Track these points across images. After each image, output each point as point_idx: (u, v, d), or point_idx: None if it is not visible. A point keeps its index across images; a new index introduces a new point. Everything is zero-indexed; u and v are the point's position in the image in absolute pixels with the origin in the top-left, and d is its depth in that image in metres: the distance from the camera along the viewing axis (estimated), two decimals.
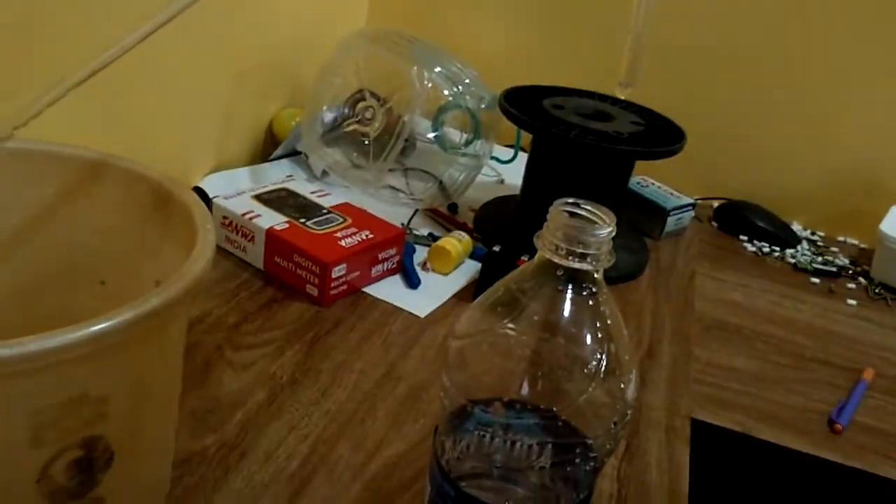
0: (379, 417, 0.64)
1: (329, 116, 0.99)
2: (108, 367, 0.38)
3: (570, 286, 0.40)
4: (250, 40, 0.98)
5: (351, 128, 0.97)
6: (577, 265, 0.40)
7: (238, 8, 0.93)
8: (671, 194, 1.09)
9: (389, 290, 0.81)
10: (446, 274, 0.86)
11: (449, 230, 0.94)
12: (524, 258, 0.78)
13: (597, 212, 0.41)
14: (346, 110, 0.98)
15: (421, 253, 0.89)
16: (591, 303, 0.41)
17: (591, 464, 0.43)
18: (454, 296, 0.83)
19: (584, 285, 0.41)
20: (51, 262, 0.54)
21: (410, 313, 0.78)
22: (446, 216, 1.00)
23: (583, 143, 0.85)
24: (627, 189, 1.01)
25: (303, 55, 1.09)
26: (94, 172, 0.52)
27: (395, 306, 0.79)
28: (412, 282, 0.83)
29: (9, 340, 0.33)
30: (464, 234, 0.90)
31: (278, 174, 0.99)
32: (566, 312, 0.41)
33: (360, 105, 0.96)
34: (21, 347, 0.33)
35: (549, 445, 0.41)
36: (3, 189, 0.51)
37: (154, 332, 0.41)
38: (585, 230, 0.39)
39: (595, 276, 0.41)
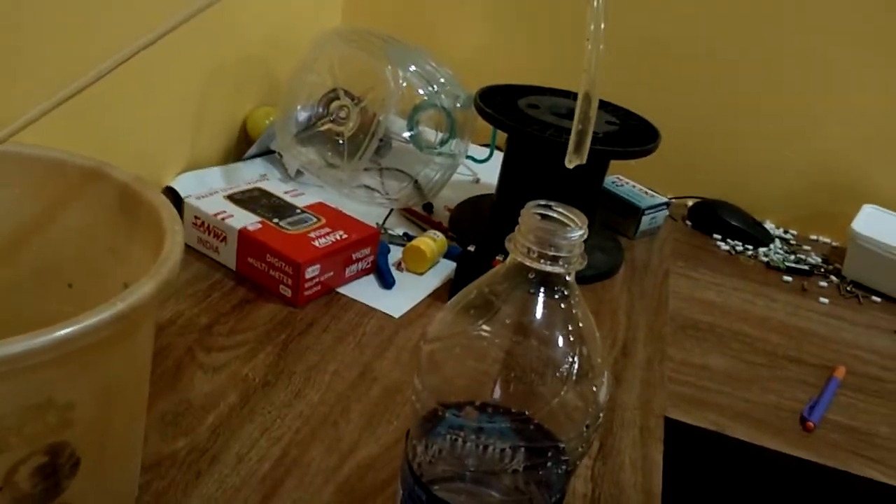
0: (352, 419, 0.63)
1: (303, 115, 0.98)
2: (74, 372, 0.38)
3: (541, 289, 0.40)
4: (224, 38, 0.97)
5: (325, 127, 0.96)
6: (548, 268, 0.39)
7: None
8: (646, 193, 1.10)
9: (364, 291, 0.81)
10: (421, 274, 0.86)
11: (424, 230, 0.94)
12: (499, 258, 0.78)
13: (568, 214, 0.41)
14: (321, 109, 0.97)
15: (396, 253, 0.88)
16: (563, 306, 0.41)
17: (564, 466, 0.43)
18: (429, 296, 0.82)
19: (556, 288, 0.40)
20: (18, 264, 0.53)
21: (385, 314, 0.78)
22: (421, 216, 0.99)
23: (557, 142, 0.84)
24: (602, 188, 1.01)
25: (277, 53, 1.08)
26: (62, 173, 0.52)
27: (370, 307, 0.79)
28: (387, 282, 0.83)
29: None
30: (439, 233, 0.90)
31: (252, 173, 0.98)
32: (538, 315, 0.41)
33: (335, 104, 0.96)
34: None
35: (522, 449, 0.41)
36: None
37: (121, 336, 0.40)
38: (557, 233, 0.39)
39: (567, 278, 0.40)
